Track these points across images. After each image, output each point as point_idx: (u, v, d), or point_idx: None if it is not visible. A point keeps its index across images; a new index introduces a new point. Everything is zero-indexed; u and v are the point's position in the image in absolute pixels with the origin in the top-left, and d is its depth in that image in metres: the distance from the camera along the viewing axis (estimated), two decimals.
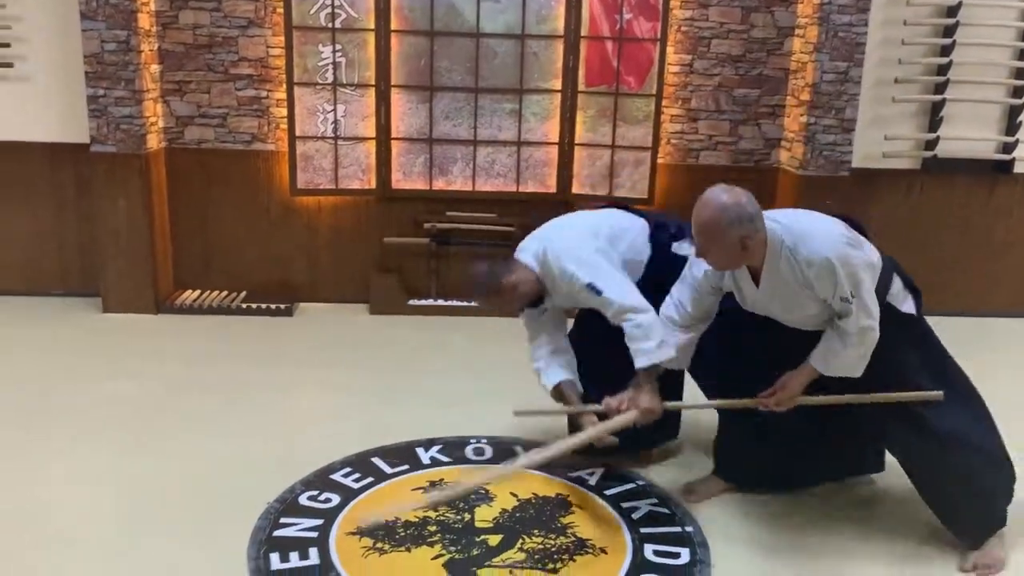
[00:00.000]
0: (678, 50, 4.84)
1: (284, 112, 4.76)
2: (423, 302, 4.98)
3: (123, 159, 4.54)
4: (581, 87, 4.85)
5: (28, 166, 4.78)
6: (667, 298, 2.76)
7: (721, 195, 2.38)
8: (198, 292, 4.95)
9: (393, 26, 4.70)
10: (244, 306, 4.82)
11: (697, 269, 2.64)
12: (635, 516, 2.84)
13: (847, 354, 2.49)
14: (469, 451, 3.26)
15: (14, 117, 4.72)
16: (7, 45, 4.60)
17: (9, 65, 4.63)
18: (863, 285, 2.42)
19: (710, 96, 4.92)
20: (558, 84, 4.85)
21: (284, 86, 4.72)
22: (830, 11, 4.52)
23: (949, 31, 4.79)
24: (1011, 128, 4.96)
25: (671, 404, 2.83)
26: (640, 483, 3.06)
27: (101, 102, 4.48)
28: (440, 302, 5.00)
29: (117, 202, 4.58)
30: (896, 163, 4.98)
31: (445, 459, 3.19)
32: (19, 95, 4.69)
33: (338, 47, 4.70)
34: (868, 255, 2.50)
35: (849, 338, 2.46)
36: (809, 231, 2.44)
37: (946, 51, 4.81)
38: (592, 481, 3.05)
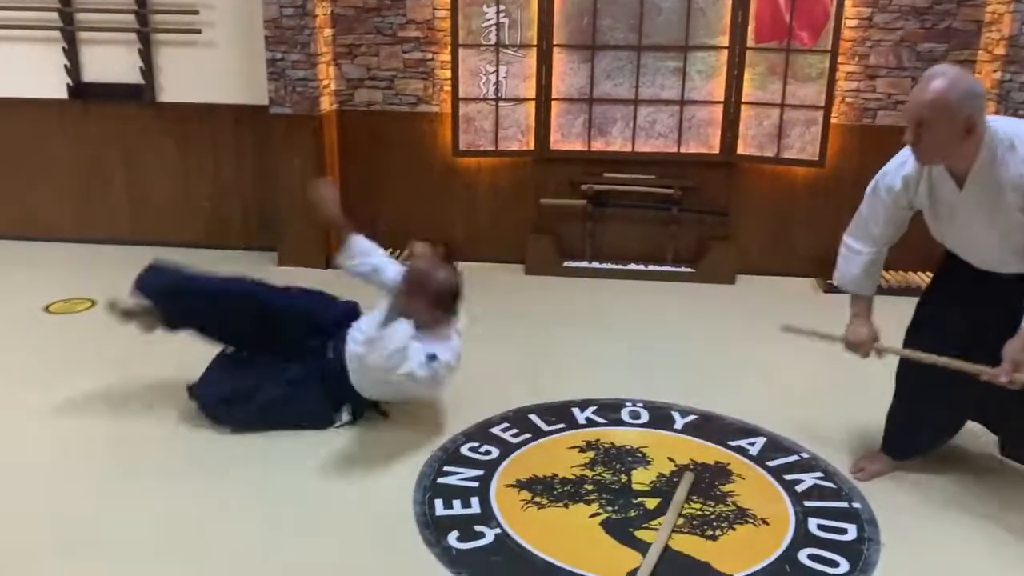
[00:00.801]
0: (856, 3, 4.54)
1: (448, 74, 4.84)
2: (578, 264, 4.98)
3: (298, 120, 4.77)
4: (750, 43, 4.65)
5: (214, 127, 5.12)
6: (851, 226, 2.67)
7: (949, 70, 2.23)
8: None
9: None
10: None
11: (887, 182, 2.50)
12: (799, 489, 2.75)
13: None
14: (625, 414, 3.26)
15: (202, 80, 5.05)
16: (196, 12, 4.91)
17: (197, 31, 4.94)
18: None
19: (891, 51, 4.60)
20: (725, 40, 4.67)
21: (449, 48, 4.79)
22: None
23: None
24: None
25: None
26: (804, 456, 2.96)
27: (279, 65, 4.72)
28: (595, 264, 4.98)
29: (293, 162, 4.83)
30: None
31: (601, 420, 3.20)
32: (206, 59, 5.01)
33: (502, 7, 4.72)
34: None
35: None
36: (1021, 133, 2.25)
37: None
38: (753, 451, 2.98)
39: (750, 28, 4.63)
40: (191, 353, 3.21)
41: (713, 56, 4.72)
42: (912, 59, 4.59)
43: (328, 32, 4.86)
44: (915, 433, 2.80)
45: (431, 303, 2.87)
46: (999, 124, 2.30)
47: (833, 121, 4.66)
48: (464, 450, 2.95)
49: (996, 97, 4.35)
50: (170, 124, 5.14)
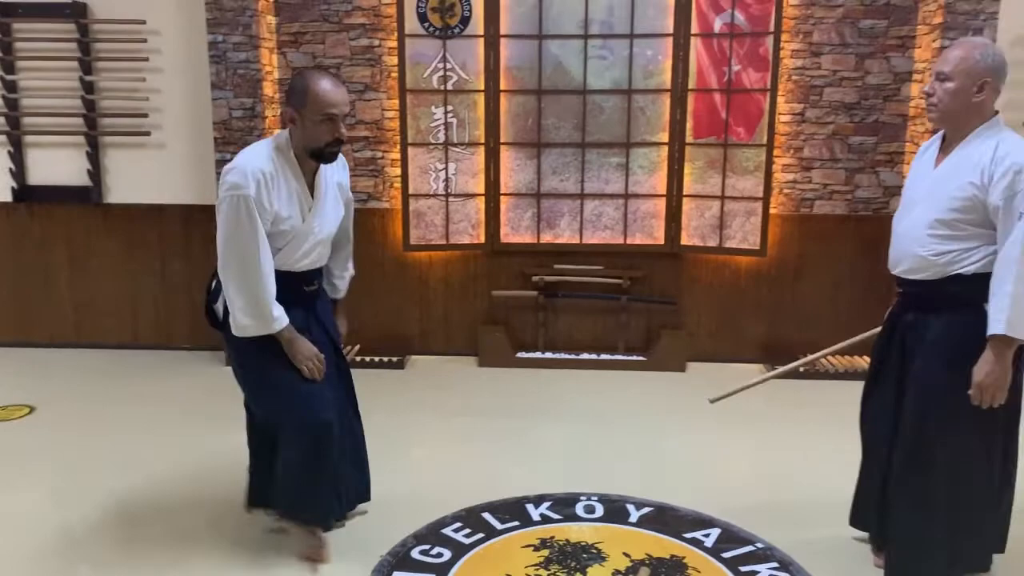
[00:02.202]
0: (789, 99, 4.77)
1: (398, 171, 4.92)
2: (531, 355, 5.00)
3: None
4: (689, 139, 4.83)
5: (162, 227, 5.10)
6: None
7: (988, 42, 2.46)
8: None
9: (502, 86, 4.82)
10: (358, 359, 4.95)
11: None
12: None
13: (1021, 291, 2.27)
14: (579, 508, 3.21)
15: (150, 182, 5.06)
16: (145, 115, 4.96)
17: (147, 134, 4.98)
18: None
19: (823, 145, 4.81)
20: (665, 137, 4.84)
21: (398, 147, 4.89)
22: None
23: None
24: None
25: None
26: (759, 546, 2.93)
27: None
28: (548, 355, 5.00)
29: None
30: None
31: (555, 516, 3.15)
32: (155, 161, 5.04)
33: (450, 108, 4.85)
34: None
35: (1018, 264, 2.27)
36: (1020, 141, 2.40)
37: None
38: (708, 543, 2.95)
39: (688, 125, 4.81)
40: (134, 457, 3.12)
41: (654, 152, 4.88)
42: (844, 151, 4.80)
43: (278, 132, 4.92)
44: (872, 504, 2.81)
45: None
46: (1010, 131, 2.46)
47: (772, 211, 4.82)
48: (415, 553, 2.87)
49: None
50: (117, 225, 5.11)
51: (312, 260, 2.78)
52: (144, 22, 4.86)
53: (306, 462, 2.71)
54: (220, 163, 4.75)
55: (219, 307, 2.77)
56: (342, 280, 3.14)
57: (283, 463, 2.75)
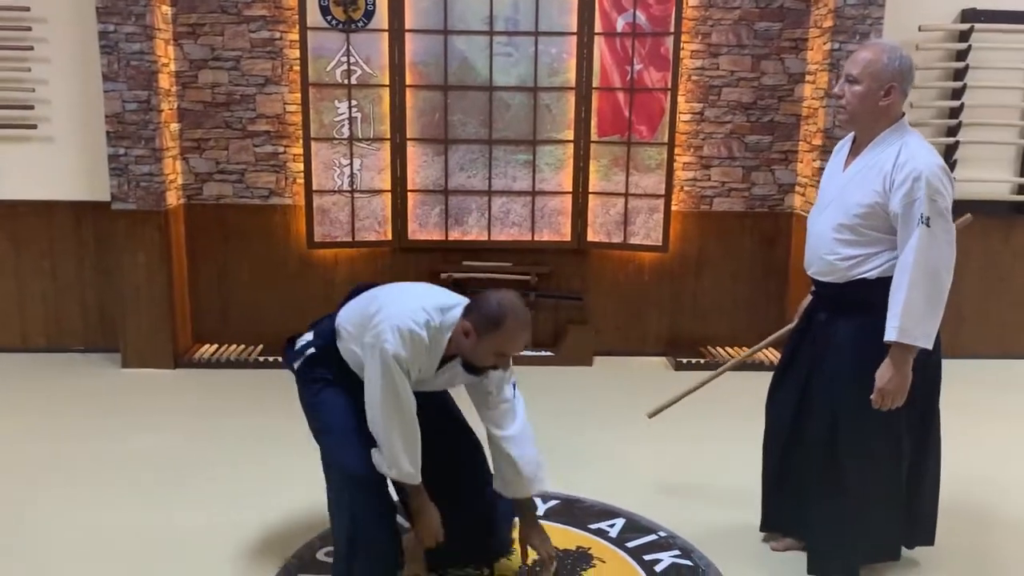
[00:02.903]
0: (689, 99, 4.89)
1: (301, 167, 4.83)
2: None
3: (143, 216, 4.61)
4: (594, 137, 4.90)
5: (51, 224, 4.87)
6: None
7: (897, 45, 2.47)
8: (216, 346, 4.98)
9: (408, 81, 4.79)
10: (261, 359, 4.84)
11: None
12: (658, 569, 2.78)
13: (913, 298, 2.33)
14: None
15: (38, 177, 4.81)
16: (31, 107, 4.72)
17: (33, 127, 4.73)
18: (939, 221, 2.34)
19: (722, 143, 4.95)
20: (571, 135, 4.90)
21: (301, 141, 4.80)
22: (839, 57, 4.56)
23: (960, 74, 4.83)
24: None
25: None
26: (662, 534, 3.00)
27: (122, 160, 4.57)
28: None
29: (137, 258, 4.64)
30: None
31: None
32: (42, 155, 4.80)
33: (354, 103, 4.78)
34: (949, 205, 2.39)
35: (911, 271, 2.33)
36: (924, 148, 2.43)
37: (957, 94, 4.84)
38: (613, 533, 3.01)
39: (593, 123, 4.88)
40: (27, 464, 2.96)
41: (560, 149, 4.93)
42: (742, 150, 4.95)
43: (175, 127, 4.77)
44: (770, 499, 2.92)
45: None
46: (915, 135, 2.48)
47: (674, 208, 4.93)
48: (320, 555, 2.83)
49: (817, 183, 4.72)
50: (3, 223, 4.85)
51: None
52: (28, 9, 4.62)
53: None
54: (113, 158, 4.57)
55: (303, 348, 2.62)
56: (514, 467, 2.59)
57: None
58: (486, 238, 5.01)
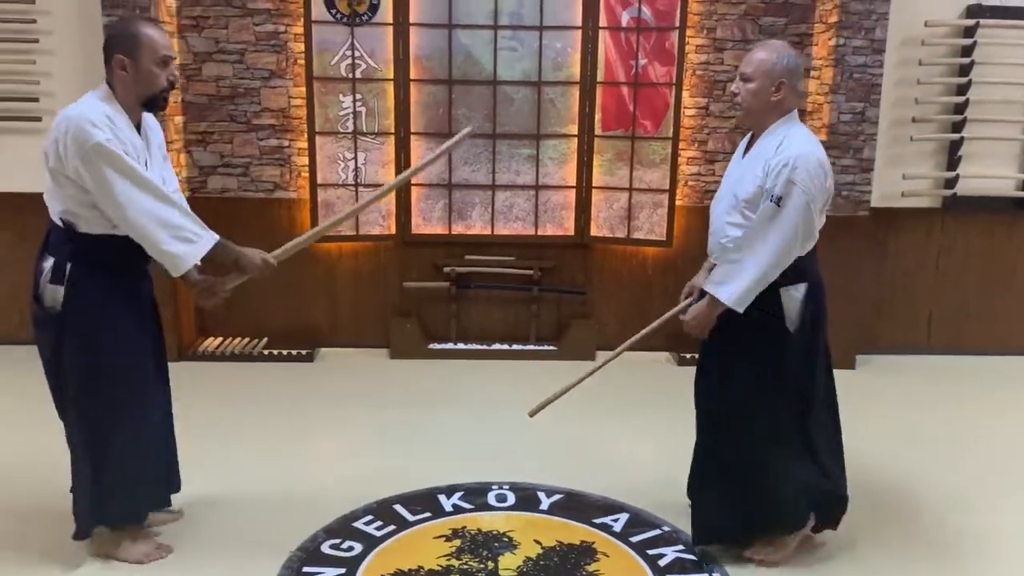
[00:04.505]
0: (693, 94, 4.88)
1: (306, 161, 4.83)
2: (443, 346, 4.99)
3: None
4: (598, 131, 4.90)
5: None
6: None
7: (786, 45, 2.62)
8: (220, 339, 4.99)
9: (412, 75, 4.79)
10: (265, 352, 4.85)
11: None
12: (662, 563, 2.79)
13: (734, 259, 2.53)
14: (491, 497, 3.23)
15: (39, 169, 4.80)
16: (36, 100, 4.72)
17: (38, 119, 4.73)
18: (790, 204, 2.46)
19: (726, 138, 4.95)
20: (575, 129, 4.90)
21: (306, 135, 4.80)
22: (844, 53, 4.56)
23: (965, 70, 4.82)
24: None
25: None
26: (666, 529, 3.01)
27: None
28: (460, 346, 5.00)
29: None
30: (916, 202, 4.98)
31: (467, 506, 3.16)
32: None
33: (358, 97, 4.78)
34: (813, 194, 2.48)
35: (744, 238, 2.53)
36: (804, 138, 2.54)
37: (962, 90, 4.83)
38: (617, 528, 3.01)
39: (597, 117, 4.88)
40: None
41: (564, 143, 4.93)
42: None
43: (179, 119, 4.77)
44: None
45: None
46: (801, 127, 2.61)
47: (678, 203, 4.93)
48: (325, 548, 2.84)
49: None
50: (9, 215, 4.85)
51: None
52: (33, 1, 4.62)
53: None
54: None
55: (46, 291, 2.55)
56: None
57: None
58: (489, 232, 5.01)
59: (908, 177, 4.90)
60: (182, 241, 2.46)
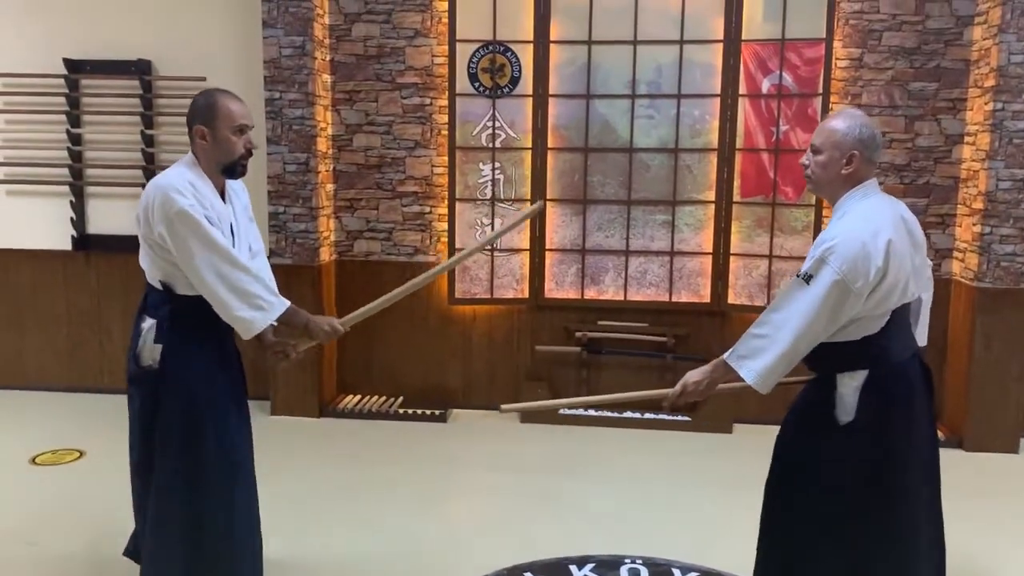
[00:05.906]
0: None
1: (445, 226, 4.99)
2: (574, 412, 4.96)
3: (297, 270, 4.87)
4: (736, 198, 4.83)
5: None
6: None
7: (862, 114, 2.43)
8: (359, 397, 5.15)
9: (550, 144, 4.89)
10: (401, 411, 4.96)
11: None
12: None
13: (755, 333, 2.34)
14: (624, 571, 3.15)
15: None
16: None
17: None
18: (819, 284, 2.23)
19: None
20: (712, 195, 4.85)
21: (446, 202, 4.97)
22: (1003, 117, 4.34)
23: None
24: None
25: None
26: None
27: (280, 218, 4.86)
28: (591, 413, 4.96)
29: None
30: None
31: None
32: None
33: (497, 165, 4.92)
34: (847, 275, 2.22)
35: (768, 310, 2.34)
36: (858, 216, 2.31)
37: None
38: None
39: (736, 184, 4.82)
40: None
41: (700, 210, 4.88)
42: None
43: (329, 187, 5.04)
44: None
45: None
46: (868, 202, 2.37)
47: None
48: None
49: (978, 249, 4.48)
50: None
51: None
52: (204, 79, 5.03)
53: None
54: (272, 215, 4.86)
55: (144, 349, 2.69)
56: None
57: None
58: (622, 298, 5.00)
59: None
60: (254, 308, 2.57)
